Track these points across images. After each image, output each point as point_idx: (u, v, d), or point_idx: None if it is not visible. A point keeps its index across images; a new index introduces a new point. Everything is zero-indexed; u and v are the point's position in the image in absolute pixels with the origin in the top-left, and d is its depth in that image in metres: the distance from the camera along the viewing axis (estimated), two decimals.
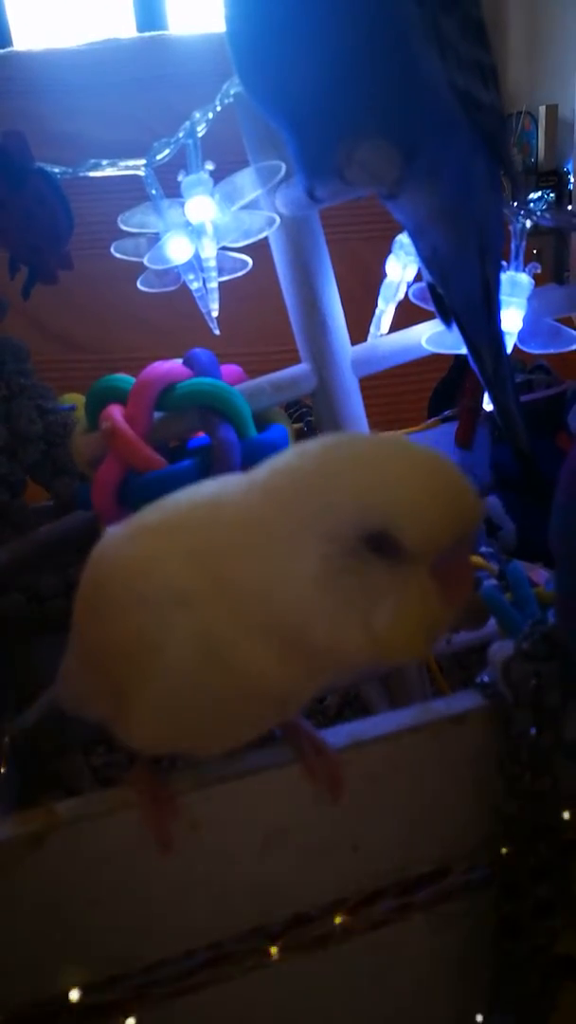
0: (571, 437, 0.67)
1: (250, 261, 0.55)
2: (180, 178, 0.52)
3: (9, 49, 1.79)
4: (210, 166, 0.52)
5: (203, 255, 0.53)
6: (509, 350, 0.54)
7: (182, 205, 0.52)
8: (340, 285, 0.55)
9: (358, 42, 0.39)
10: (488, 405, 0.57)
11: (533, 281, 0.56)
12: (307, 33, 0.39)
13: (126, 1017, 0.41)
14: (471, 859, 0.45)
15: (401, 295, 0.59)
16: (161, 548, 0.34)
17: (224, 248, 0.54)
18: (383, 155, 0.42)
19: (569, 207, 2.04)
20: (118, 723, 0.38)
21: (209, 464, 0.50)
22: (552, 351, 0.57)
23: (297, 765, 0.40)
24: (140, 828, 0.38)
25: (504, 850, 0.43)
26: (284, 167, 0.50)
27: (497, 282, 0.51)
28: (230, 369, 0.55)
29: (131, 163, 0.53)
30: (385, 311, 0.59)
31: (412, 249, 0.53)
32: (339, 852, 0.42)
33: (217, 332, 0.56)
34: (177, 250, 0.53)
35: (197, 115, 0.52)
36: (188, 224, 0.53)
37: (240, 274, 0.56)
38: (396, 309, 0.59)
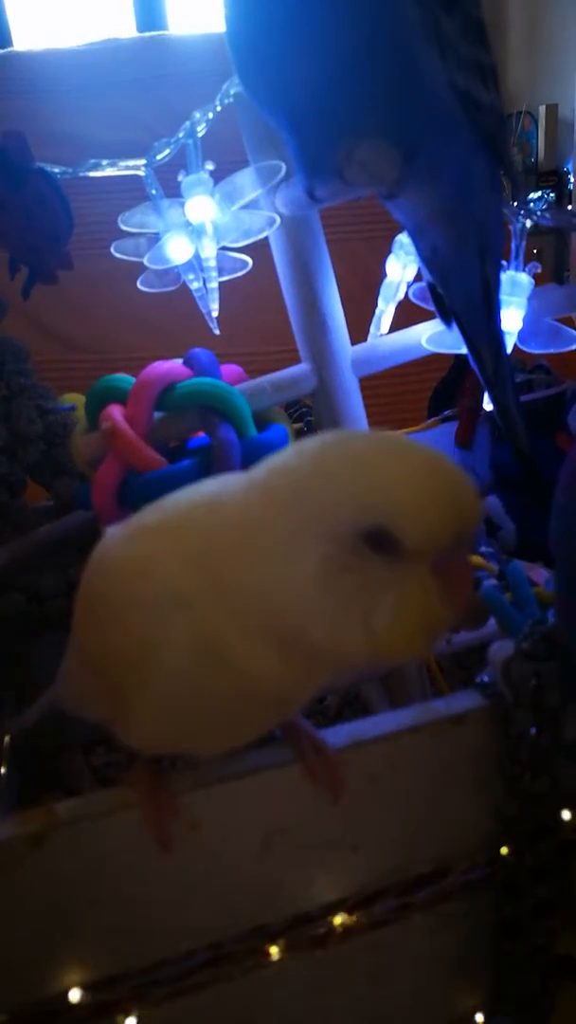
0: (571, 437, 0.67)
1: (250, 261, 0.55)
2: (180, 178, 0.52)
3: (9, 49, 1.79)
4: (210, 166, 0.52)
5: (203, 255, 0.53)
6: (509, 350, 0.54)
7: (182, 205, 0.52)
8: (340, 285, 0.55)
9: (358, 42, 0.39)
10: (488, 405, 0.57)
11: (533, 281, 0.56)
12: (307, 33, 0.39)
13: (126, 1017, 0.41)
14: (471, 859, 0.45)
15: (401, 295, 0.59)
16: (160, 549, 0.34)
17: (224, 248, 0.54)
18: (383, 155, 0.42)
19: (569, 207, 2.04)
20: (118, 723, 0.38)
21: (209, 464, 0.50)
22: (552, 351, 0.57)
23: (297, 765, 0.40)
24: (140, 828, 0.38)
25: (504, 850, 0.43)
26: (284, 167, 0.50)
27: (497, 282, 0.51)
28: (230, 369, 0.55)
29: (131, 163, 0.53)
30: (385, 311, 0.59)
31: (412, 249, 0.53)
32: (339, 852, 0.42)
33: (217, 332, 0.56)
34: (177, 250, 0.53)
35: (197, 115, 0.52)
36: (188, 224, 0.53)
37: (240, 274, 0.56)
38: (396, 309, 0.59)
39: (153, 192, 0.53)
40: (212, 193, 0.52)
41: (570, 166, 2.07)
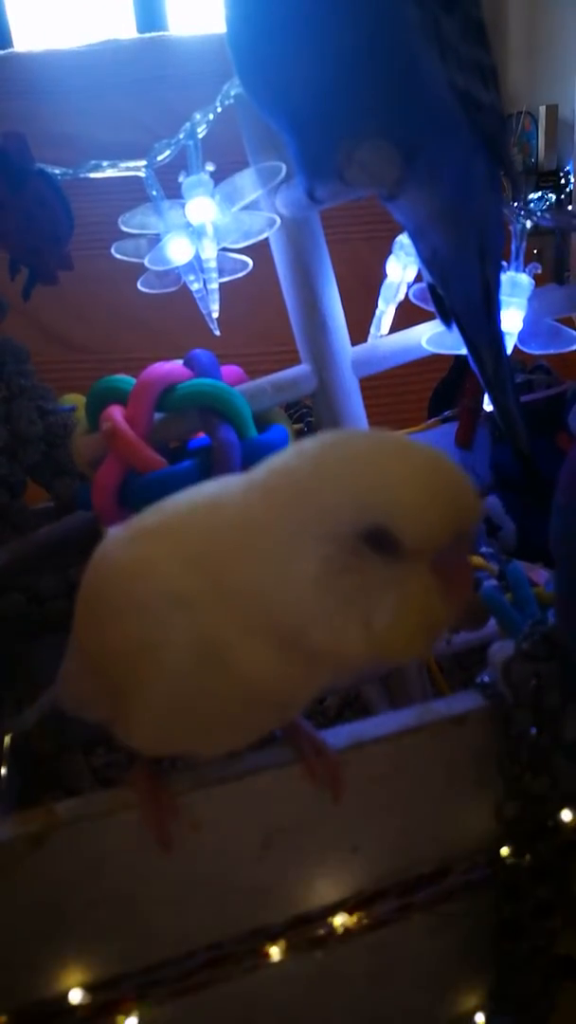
0: (571, 437, 0.67)
1: (250, 262, 0.55)
2: (181, 179, 0.52)
3: (9, 50, 1.79)
4: (211, 167, 0.52)
5: (203, 256, 0.53)
6: (509, 350, 0.54)
7: (182, 206, 0.53)
8: (340, 286, 0.55)
9: (358, 43, 0.39)
10: (488, 405, 0.57)
11: (533, 281, 0.56)
12: (307, 34, 0.39)
13: (126, 1018, 0.41)
14: (471, 859, 0.45)
15: (401, 296, 0.59)
16: (160, 550, 0.34)
17: (224, 249, 0.54)
18: (383, 156, 0.42)
19: (569, 207, 2.05)
20: (118, 724, 0.38)
21: (209, 465, 0.50)
22: (552, 351, 0.57)
23: (297, 766, 0.40)
24: (140, 828, 0.38)
25: (504, 850, 0.43)
26: (284, 168, 0.50)
27: (497, 283, 0.51)
28: (230, 370, 0.55)
29: (132, 164, 0.53)
30: (385, 312, 0.59)
31: (412, 250, 0.53)
32: (339, 853, 0.42)
33: (217, 333, 0.56)
34: (177, 251, 0.53)
35: (198, 116, 0.52)
36: (188, 225, 0.53)
37: (240, 275, 0.56)
38: (396, 310, 0.59)
39: (154, 193, 0.53)
40: (212, 194, 0.52)
41: (570, 166, 2.07)
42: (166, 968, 0.41)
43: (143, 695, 0.35)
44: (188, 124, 0.52)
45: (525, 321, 0.56)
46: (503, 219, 0.52)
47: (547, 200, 2.04)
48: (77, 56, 1.61)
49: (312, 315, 0.55)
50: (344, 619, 0.31)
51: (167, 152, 0.53)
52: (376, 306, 0.60)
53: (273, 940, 0.42)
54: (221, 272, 0.55)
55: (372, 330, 0.60)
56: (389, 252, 0.59)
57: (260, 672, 0.33)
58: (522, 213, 0.55)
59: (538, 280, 0.56)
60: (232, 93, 0.50)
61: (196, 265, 0.54)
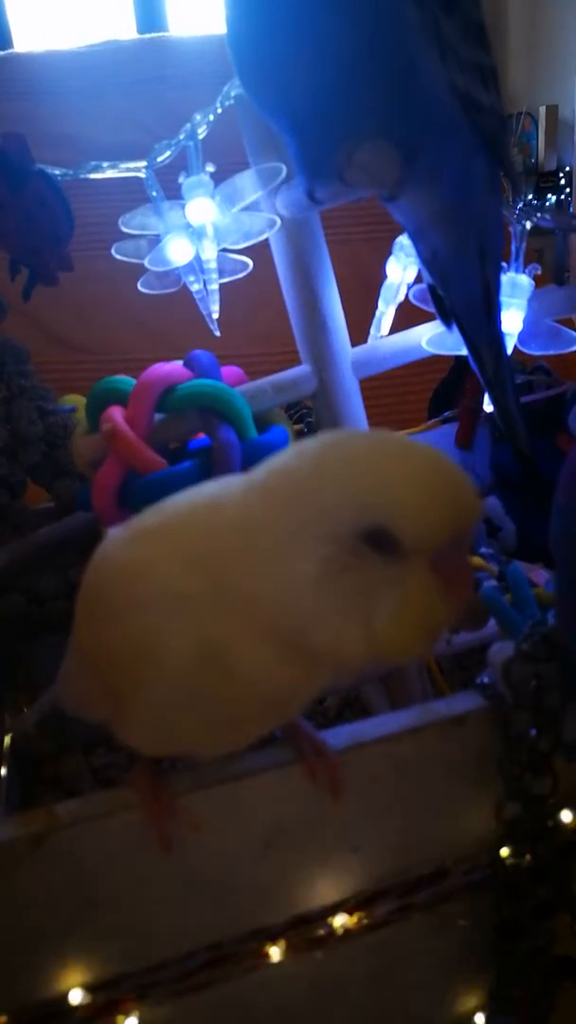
0: (571, 438, 0.67)
1: (251, 263, 0.55)
2: (181, 180, 0.52)
3: (9, 51, 1.79)
4: (211, 168, 0.52)
5: (204, 257, 0.53)
6: (509, 351, 0.54)
7: (183, 207, 0.53)
8: (340, 287, 0.55)
9: (359, 44, 0.39)
10: (488, 406, 0.57)
11: (533, 282, 0.56)
12: (308, 35, 0.39)
13: (126, 1018, 0.41)
14: (471, 860, 0.45)
15: (401, 297, 0.59)
16: (160, 551, 0.34)
17: (225, 250, 0.54)
18: (383, 156, 0.42)
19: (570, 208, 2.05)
20: (118, 724, 0.38)
21: (210, 466, 0.50)
22: (552, 352, 0.57)
23: (297, 766, 0.40)
24: (140, 829, 0.38)
25: (504, 851, 0.43)
26: (285, 169, 0.50)
27: (497, 283, 0.51)
28: (230, 371, 0.55)
29: (132, 165, 0.53)
30: (385, 313, 0.59)
31: (412, 251, 0.53)
32: (339, 853, 0.42)
33: (218, 334, 0.56)
34: (178, 252, 0.53)
35: (198, 117, 0.52)
36: (189, 226, 0.53)
37: (241, 276, 0.56)
38: (396, 311, 0.59)
39: (154, 194, 0.53)
40: (213, 195, 0.52)
41: (570, 167, 2.08)
42: (166, 968, 0.41)
43: (143, 695, 0.35)
44: (188, 125, 0.52)
45: (525, 322, 0.56)
46: (503, 220, 0.52)
47: (547, 201, 2.04)
48: (77, 57, 1.61)
49: (312, 316, 0.55)
50: (344, 619, 0.31)
51: (167, 153, 0.53)
52: (376, 307, 0.60)
53: (273, 940, 0.42)
54: (221, 273, 0.55)
55: (372, 331, 0.60)
56: (389, 253, 0.59)
57: (260, 672, 0.33)
58: (522, 212, 0.55)
59: (538, 281, 0.56)
60: (232, 94, 0.50)
61: (196, 266, 0.54)
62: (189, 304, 0.56)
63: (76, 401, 0.67)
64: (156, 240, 0.54)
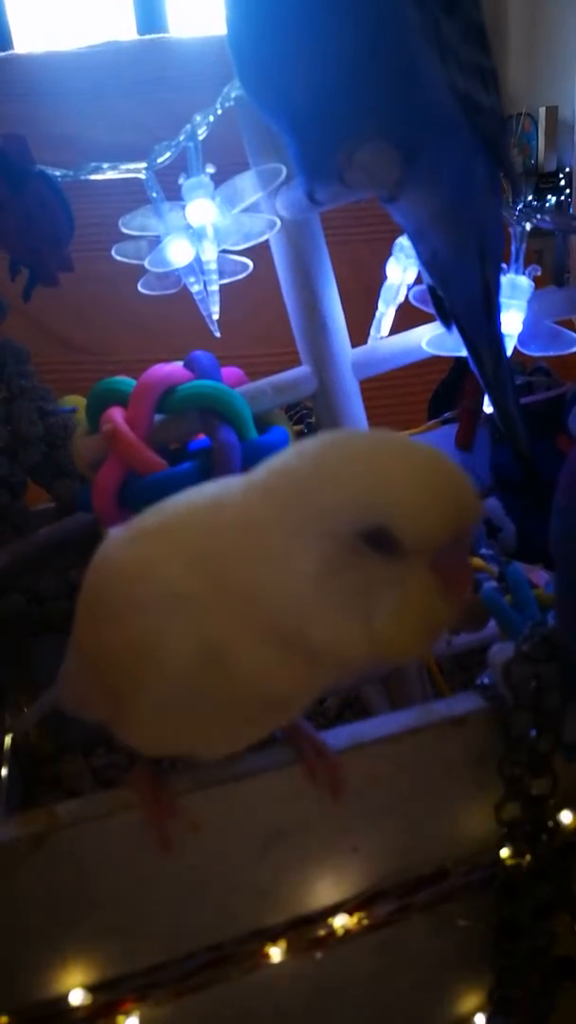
0: (571, 439, 0.67)
1: (251, 264, 0.55)
2: (181, 181, 0.52)
3: (10, 52, 1.79)
4: (211, 169, 0.52)
5: (204, 258, 0.53)
6: (509, 352, 0.54)
7: (183, 208, 0.53)
8: (340, 287, 0.55)
9: (359, 45, 0.39)
10: (488, 407, 0.57)
11: (533, 284, 0.56)
12: (308, 36, 0.39)
13: (126, 1018, 0.41)
14: (471, 860, 0.45)
15: (401, 298, 0.59)
16: (161, 551, 0.34)
17: (225, 251, 0.54)
18: (383, 157, 0.42)
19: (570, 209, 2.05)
20: (118, 725, 0.38)
21: (210, 466, 0.50)
22: (552, 353, 0.57)
23: (297, 766, 0.40)
24: (140, 829, 0.38)
25: (504, 851, 0.43)
26: (285, 170, 0.50)
27: (497, 285, 0.51)
28: (231, 371, 0.55)
29: (132, 166, 0.53)
30: (385, 313, 0.59)
31: (412, 252, 0.53)
32: (339, 853, 0.42)
33: (218, 335, 0.56)
34: (178, 253, 0.53)
35: (198, 118, 0.52)
36: (189, 227, 0.53)
37: (241, 277, 0.56)
38: (396, 312, 0.60)
39: (154, 195, 0.53)
40: (213, 196, 0.52)
41: (570, 168, 2.07)
42: (166, 969, 0.41)
43: (143, 696, 0.35)
44: (188, 126, 0.52)
45: (525, 323, 0.56)
46: (503, 221, 0.52)
47: (547, 202, 2.04)
48: (77, 58, 1.61)
49: (312, 317, 0.55)
50: (344, 619, 0.31)
51: (167, 154, 0.53)
52: (376, 308, 0.60)
53: (273, 941, 0.42)
54: (221, 274, 0.55)
55: (372, 332, 0.60)
56: (389, 254, 0.59)
57: (261, 673, 0.33)
58: (522, 214, 0.55)
59: (538, 282, 0.56)
60: (232, 95, 0.50)
61: (196, 267, 0.54)
62: (189, 305, 0.57)
63: (76, 402, 0.67)
64: (156, 241, 0.54)
